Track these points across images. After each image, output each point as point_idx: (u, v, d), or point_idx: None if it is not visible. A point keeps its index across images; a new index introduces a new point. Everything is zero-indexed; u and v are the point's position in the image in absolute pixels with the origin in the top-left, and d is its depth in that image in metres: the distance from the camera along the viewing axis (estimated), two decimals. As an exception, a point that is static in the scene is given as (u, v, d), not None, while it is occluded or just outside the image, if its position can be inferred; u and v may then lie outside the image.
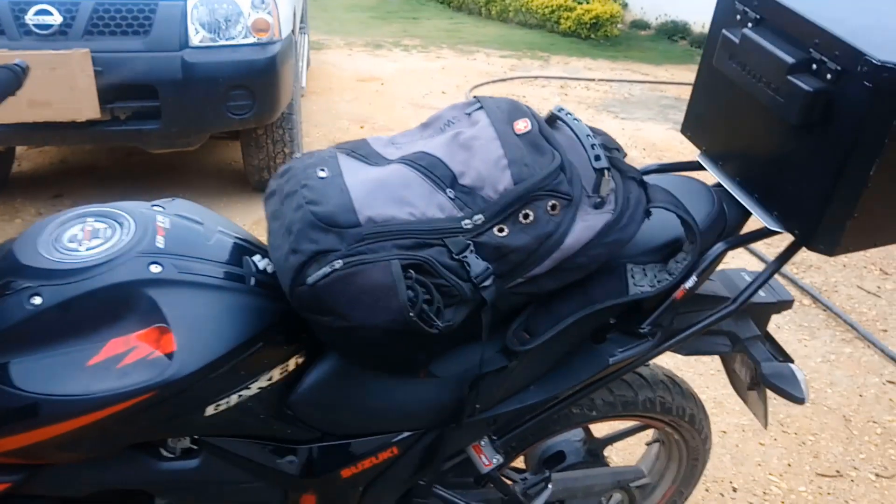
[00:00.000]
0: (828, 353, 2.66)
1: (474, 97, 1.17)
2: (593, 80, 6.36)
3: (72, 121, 2.88)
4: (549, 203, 1.01)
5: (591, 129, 1.11)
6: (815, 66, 1.04)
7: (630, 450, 2.10)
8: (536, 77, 6.32)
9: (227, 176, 3.93)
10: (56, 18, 2.86)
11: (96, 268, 0.94)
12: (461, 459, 1.30)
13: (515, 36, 8.13)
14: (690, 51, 7.91)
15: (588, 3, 8.21)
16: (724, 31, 1.18)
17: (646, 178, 1.13)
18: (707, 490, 2.03)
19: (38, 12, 2.85)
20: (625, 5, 8.74)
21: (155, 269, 0.96)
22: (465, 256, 0.99)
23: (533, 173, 1.01)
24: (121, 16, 2.91)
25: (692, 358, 2.42)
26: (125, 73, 2.88)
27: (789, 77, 1.04)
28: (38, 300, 0.91)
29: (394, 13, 9.11)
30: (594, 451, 1.59)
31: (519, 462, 1.60)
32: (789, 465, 2.15)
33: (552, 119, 1.15)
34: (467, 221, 1.00)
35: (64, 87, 2.84)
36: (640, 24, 8.92)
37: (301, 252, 0.96)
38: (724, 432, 2.24)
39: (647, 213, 1.08)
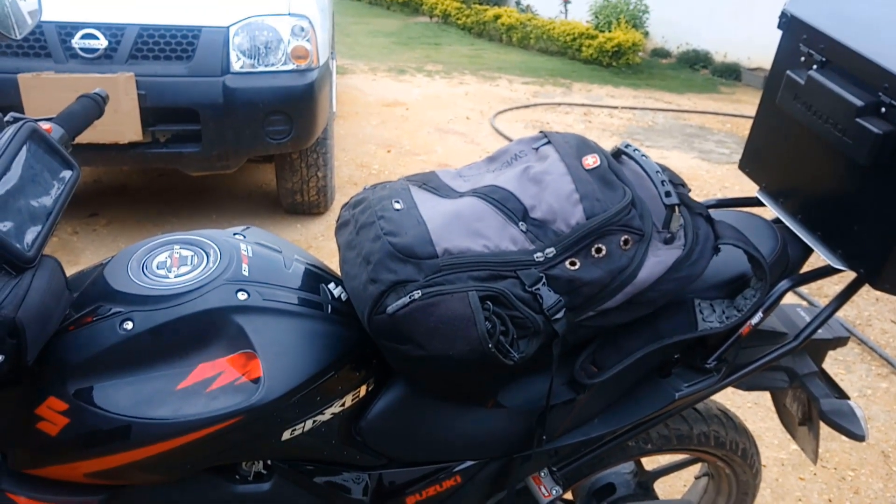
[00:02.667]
0: (864, 388, 2.65)
1: (541, 132, 1.20)
2: (616, 107, 6.40)
3: (114, 142, 2.94)
4: (622, 238, 1.02)
5: (658, 165, 1.13)
6: (884, 110, 1.05)
7: (669, 482, 2.09)
8: (560, 104, 6.38)
9: (258, 198, 3.98)
10: (101, 42, 2.93)
11: (187, 294, 0.97)
12: (518, 489, 1.31)
13: (537, 63, 8.21)
14: (712, 80, 7.95)
15: (610, 31, 8.28)
16: (788, 72, 1.20)
17: (707, 213, 1.14)
18: (748, 524, 2.01)
19: (84, 36, 2.93)
20: (646, 34, 8.81)
21: (242, 296, 0.99)
22: (538, 289, 1.00)
23: (605, 208, 1.02)
24: (164, 41, 2.97)
25: (729, 390, 2.42)
26: (168, 96, 2.95)
27: (858, 119, 1.06)
28: (129, 325, 0.94)
29: (415, 39, 9.23)
30: (644, 484, 1.59)
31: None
32: (830, 500, 2.14)
33: (617, 154, 1.17)
34: (539, 254, 1.01)
35: (108, 110, 2.89)
36: (661, 53, 8.98)
37: (380, 282, 0.98)
38: (764, 466, 2.23)
39: (716, 250, 1.09)
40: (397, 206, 1.07)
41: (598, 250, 1.01)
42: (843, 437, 1.87)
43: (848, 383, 2.66)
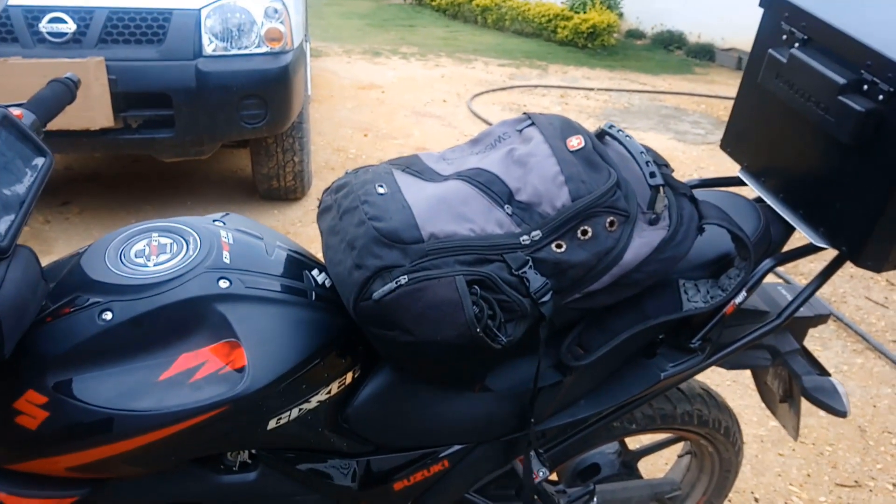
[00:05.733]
0: (840, 364, 2.69)
1: (525, 113, 1.19)
2: (592, 89, 6.40)
3: (85, 129, 2.87)
4: (608, 219, 1.02)
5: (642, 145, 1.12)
6: (866, 87, 1.05)
7: (651, 460, 2.11)
8: (536, 86, 6.36)
9: (234, 184, 3.93)
10: (70, 26, 2.85)
11: (167, 283, 0.94)
12: (503, 471, 1.31)
13: (512, 44, 8.18)
14: (687, 60, 7.98)
15: (585, 12, 8.27)
16: (770, 50, 1.20)
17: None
18: (729, 501, 2.04)
19: (52, 20, 2.85)
20: (621, 15, 8.80)
21: (224, 284, 0.97)
22: (525, 272, 1.00)
23: (590, 190, 1.02)
24: (135, 24, 2.90)
25: (709, 369, 2.45)
26: (139, 81, 2.88)
27: (840, 97, 1.06)
28: (108, 315, 0.92)
29: (389, 21, 9.14)
30: (628, 464, 1.60)
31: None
32: (808, 475, 2.17)
33: (601, 135, 1.16)
34: (525, 237, 1.01)
35: (78, 95, 2.83)
36: (635, 34, 8.99)
37: (365, 267, 0.96)
38: (744, 443, 2.25)
39: (701, 230, 1.09)
40: (381, 190, 1.05)
41: (584, 232, 1.01)
42: (821, 413, 1.89)
43: (824, 359, 2.70)
